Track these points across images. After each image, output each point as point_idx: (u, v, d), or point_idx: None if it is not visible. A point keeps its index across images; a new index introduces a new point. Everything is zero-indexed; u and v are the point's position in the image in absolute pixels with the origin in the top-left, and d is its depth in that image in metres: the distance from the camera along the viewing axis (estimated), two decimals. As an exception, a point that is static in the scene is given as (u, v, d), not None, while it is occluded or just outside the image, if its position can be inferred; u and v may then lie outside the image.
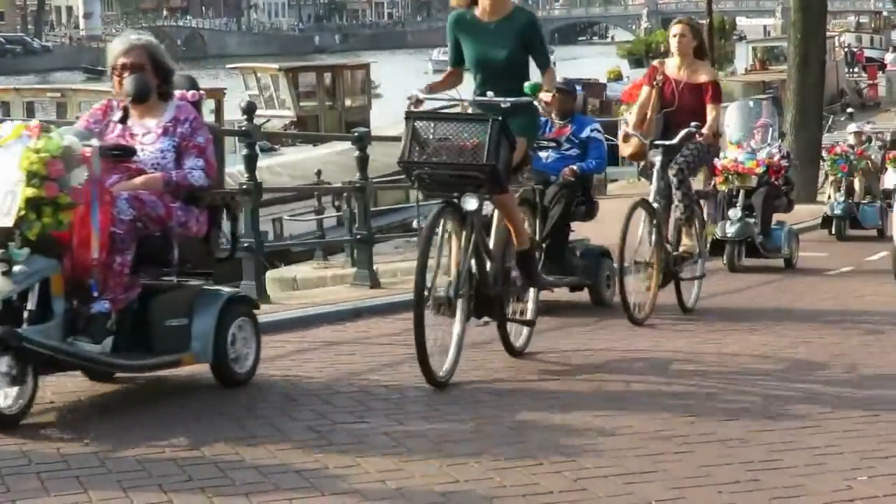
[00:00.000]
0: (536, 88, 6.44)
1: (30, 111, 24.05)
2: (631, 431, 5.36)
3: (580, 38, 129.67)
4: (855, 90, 54.13)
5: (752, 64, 54.10)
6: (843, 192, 16.49)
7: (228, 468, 4.64)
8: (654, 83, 9.25)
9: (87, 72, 74.37)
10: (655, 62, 9.77)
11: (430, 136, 6.29)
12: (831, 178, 16.95)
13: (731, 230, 13.10)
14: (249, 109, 10.19)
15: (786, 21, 34.20)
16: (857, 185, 16.60)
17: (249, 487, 4.38)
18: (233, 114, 19.47)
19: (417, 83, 8.40)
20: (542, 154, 9.37)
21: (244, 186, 9.59)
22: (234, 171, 11.88)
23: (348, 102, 39.91)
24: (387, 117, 37.02)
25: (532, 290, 7.39)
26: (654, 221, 8.70)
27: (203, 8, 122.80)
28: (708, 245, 12.19)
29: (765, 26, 78.59)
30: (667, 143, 8.87)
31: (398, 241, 17.96)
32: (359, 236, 11.03)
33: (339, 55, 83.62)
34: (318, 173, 22.36)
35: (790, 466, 4.81)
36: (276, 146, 28.62)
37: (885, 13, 77.92)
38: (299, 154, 26.62)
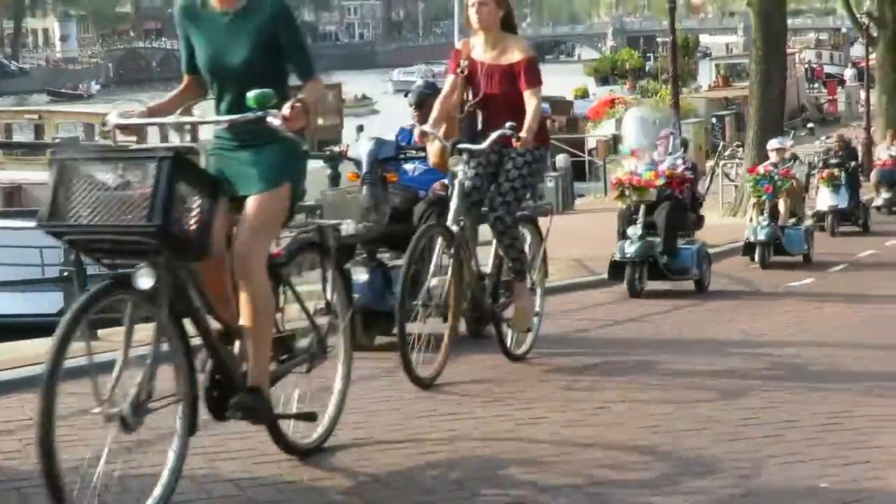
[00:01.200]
0: (265, 99, 4.34)
1: (8, 132, 23.86)
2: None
3: (547, 57, 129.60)
4: (815, 105, 54.41)
5: (716, 80, 54.31)
6: (766, 215, 14.71)
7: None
8: (459, 69, 7.03)
9: (52, 94, 74.18)
10: (459, 43, 7.43)
11: (85, 185, 4.21)
12: (754, 199, 15.18)
13: (630, 250, 11.37)
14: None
15: (748, 39, 34.42)
16: (781, 207, 14.90)
17: None
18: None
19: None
20: (409, 167, 8.09)
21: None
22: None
23: (320, 122, 39.80)
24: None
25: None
26: (453, 250, 6.67)
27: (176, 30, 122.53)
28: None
29: (727, 44, 78.95)
30: (473, 147, 6.78)
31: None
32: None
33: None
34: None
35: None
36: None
37: (843, 30, 78.36)
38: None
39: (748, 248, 14.76)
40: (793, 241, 14.88)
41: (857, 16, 33.87)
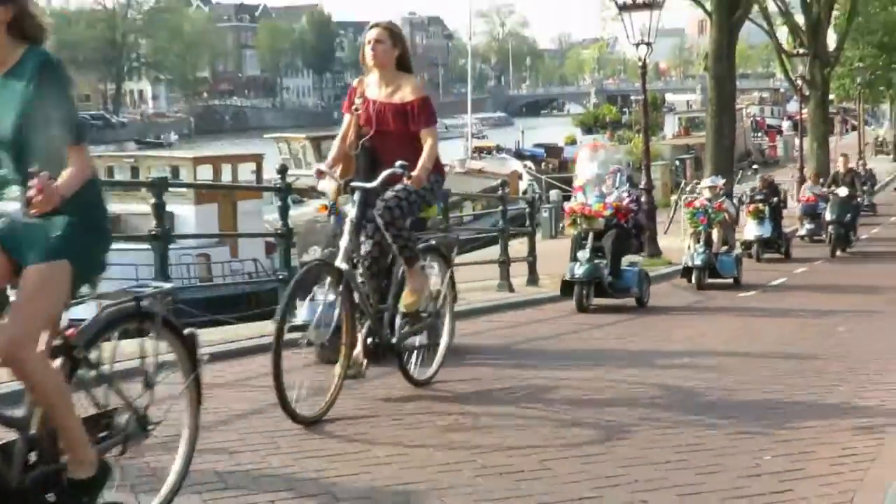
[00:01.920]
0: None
1: (109, 173, 24.01)
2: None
3: (542, 112, 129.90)
4: (759, 150, 54.43)
5: (678, 130, 54.29)
6: (702, 243, 14.13)
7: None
8: (354, 107, 5.97)
9: (139, 143, 74.94)
10: (355, 81, 6.23)
11: None
12: (691, 230, 14.44)
13: (579, 271, 10.85)
14: (282, 170, 10.17)
15: (704, 97, 34.40)
16: (715, 236, 14.34)
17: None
18: (270, 174, 19.56)
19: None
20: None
21: (279, 231, 9.70)
22: (271, 218, 11.84)
23: (361, 163, 40.26)
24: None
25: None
26: (341, 287, 5.43)
27: (246, 90, 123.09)
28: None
29: (688, 101, 78.67)
30: (365, 185, 5.65)
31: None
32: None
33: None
34: (338, 220, 22.43)
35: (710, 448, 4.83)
36: (303, 199, 28.57)
37: (781, 90, 78.23)
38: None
39: (686, 272, 14.33)
40: (725, 266, 14.40)
41: (793, 78, 33.82)
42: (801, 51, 32.07)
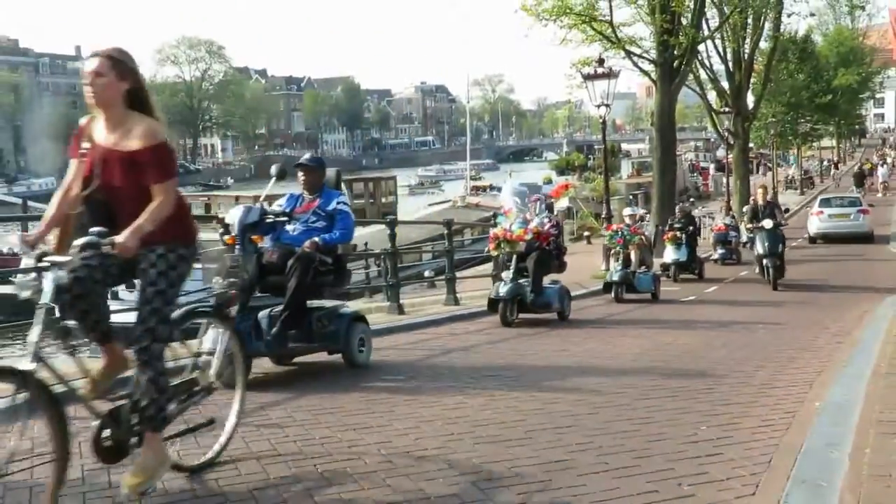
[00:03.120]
0: None
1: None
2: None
3: (525, 158, 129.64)
4: (695, 187, 54.29)
5: (632, 172, 54.33)
6: (620, 261, 13.01)
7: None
8: (80, 153, 3.57)
9: (201, 185, 74.45)
10: (83, 120, 3.63)
11: None
12: (612, 250, 13.32)
13: (503, 290, 9.64)
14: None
15: (651, 145, 34.49)
16: (633, 256, 13.09)
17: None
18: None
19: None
20: (290, 227, 6.34)
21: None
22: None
23: (383, 200, 40.50)
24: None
25: None
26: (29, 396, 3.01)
27: (294, 143, 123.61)
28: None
29: (639, 149, 78.75)
30: (59, 259, 3.36)
31: (415, 285, 18.03)
32: (391, 282, 10.99)
33: (377, 171, 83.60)
34: (366, 244, 22.40)
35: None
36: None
37: (711, 139, 78.20)
38: (354, 232, 26.62)
39: (607, 287, 13.07)
40: (642, 283, 13.05)
41: (720, 131, 33.91)
42: (727, 109, 32.22)
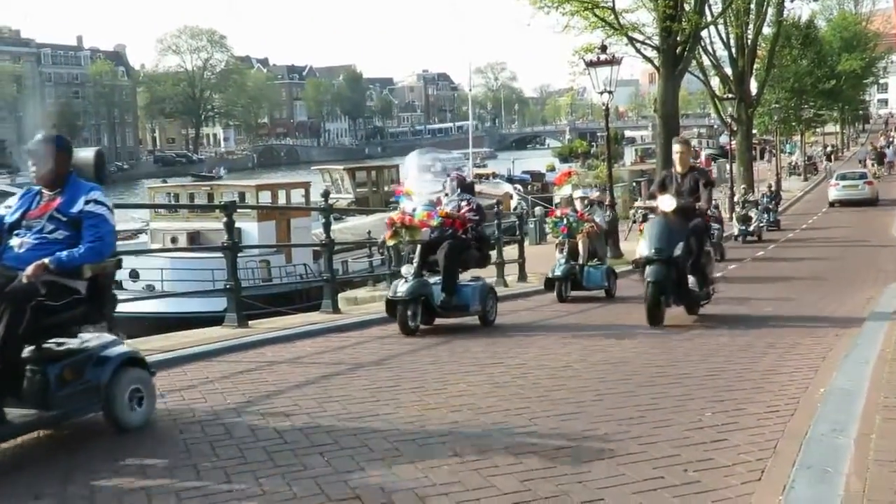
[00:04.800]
0: None
1: (191, 199, 24.06)
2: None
3: (528, 146, 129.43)
4: (698, 174, 54.23)
5: (635, 159, 54.15)
6: (565, 253, 10.88)
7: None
8: None
9: (193, 176, 71.23)
10: None
11: None
12: (557, 240, 11.17)
13: (402, 289, 7.52)
14: (325, 194, 10.18)
15: (655, 132, 34.37)
16: (580, 247, 10.86)
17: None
18: (315, 197, 19.77)
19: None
20: (15, 242, 4.17)
21: (323, 242, 9.75)
22: (316, 232, 11.79)
23: (386, 188, 40.39)
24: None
25: None
26: None
27: (297, 133, 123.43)
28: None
29: (641, 136, 78.46)
30: None
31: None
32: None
33: (379, 160, 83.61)
34: (369, 233, 22.39)
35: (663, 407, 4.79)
36: (343, 216, 28.69)
37: (715, 126, 77.98)
38: (357, 221, 26.46)
39: (549, 284, 10.96)
40: (592, 278, 10.97)
41: (724, 117, 33.89)
42: (730, 95, 32.16)
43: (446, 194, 8.38)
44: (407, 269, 7.77)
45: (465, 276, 8.35)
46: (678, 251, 8.04)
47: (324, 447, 4.04)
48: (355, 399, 5.06)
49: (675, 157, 8.79)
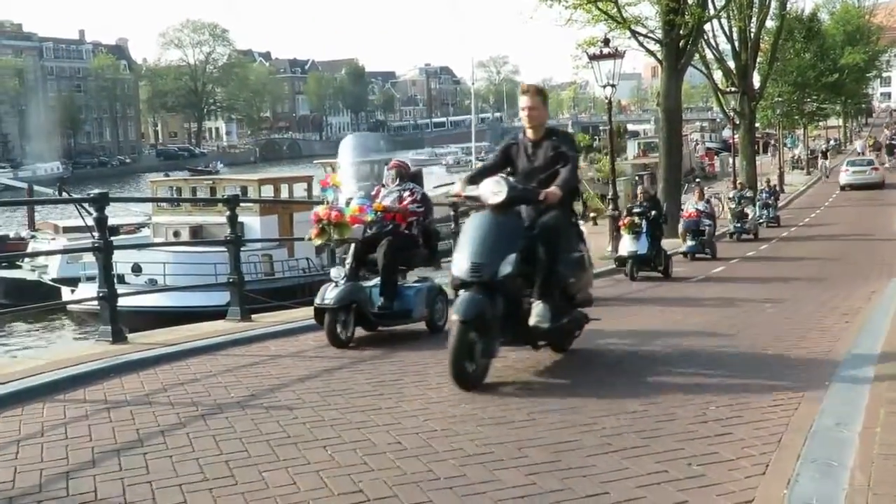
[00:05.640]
0: None
1: (193, 192, 24.05)
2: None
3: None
4: (700, 167, 54.15)
5: (638, 152, 54.07)
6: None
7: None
8: None
9: (190, 171, 68.43)
10: None
11: None
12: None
13: (330, 296, 6.48)
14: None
15: (657, 126, 34.28)
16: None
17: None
18: (317, 190, 19.81)
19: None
20: None
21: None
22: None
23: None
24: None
25: None
26: None
27: (299, 127, 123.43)
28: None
29: (644, 129, 78.34)
30: None
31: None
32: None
33: (382, 153, 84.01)
34: (371, 226, 22.47)
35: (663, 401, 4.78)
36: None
37: (718, 119, 77.83)
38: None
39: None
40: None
41: (726, 111, 33.84)
42: (733, 89, 32.11)
43: (384, 185, 7.31)
44: (337, 272, 6.63)
45: (411, 277, 7.39)
46: (507, 268, 5.04)
47: (327, 441, 4.04)
48: (358, 392, 5.05)
49: (523, 114, 5.90)
